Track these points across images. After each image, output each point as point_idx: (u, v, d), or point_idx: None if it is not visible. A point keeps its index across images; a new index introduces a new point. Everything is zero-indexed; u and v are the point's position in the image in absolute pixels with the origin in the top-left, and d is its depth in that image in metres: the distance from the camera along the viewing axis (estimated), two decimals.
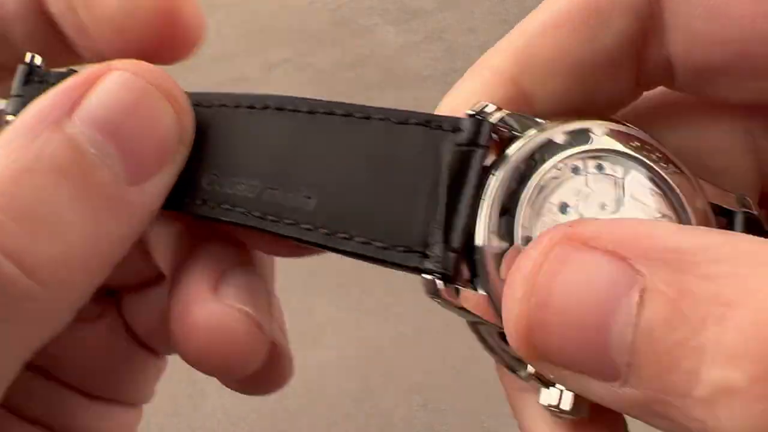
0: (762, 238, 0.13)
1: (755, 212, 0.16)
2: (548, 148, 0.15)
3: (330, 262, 0.30)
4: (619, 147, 0.16)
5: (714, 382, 0.11)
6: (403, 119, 0.15)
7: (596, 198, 0.15)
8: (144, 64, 0.16)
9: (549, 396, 0.14)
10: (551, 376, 0.14)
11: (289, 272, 0.45)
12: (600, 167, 0.16)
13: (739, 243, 0.13)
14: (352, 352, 0.41)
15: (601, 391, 0.13)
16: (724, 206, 0.16)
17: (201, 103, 0.19)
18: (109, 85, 0.16)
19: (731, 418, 0.11)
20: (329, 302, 0.42)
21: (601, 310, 0.13)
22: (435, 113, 0.16)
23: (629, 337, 0.12)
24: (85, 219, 0.15)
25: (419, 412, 0.39)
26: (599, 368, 0.13)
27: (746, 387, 0.11)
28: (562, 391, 0.15)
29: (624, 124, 0.16)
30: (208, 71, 0.57)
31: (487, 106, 0.15)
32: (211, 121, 0.19)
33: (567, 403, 0.15)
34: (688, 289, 0.12)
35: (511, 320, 0.13)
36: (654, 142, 0.16)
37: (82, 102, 0.15)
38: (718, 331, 0.12)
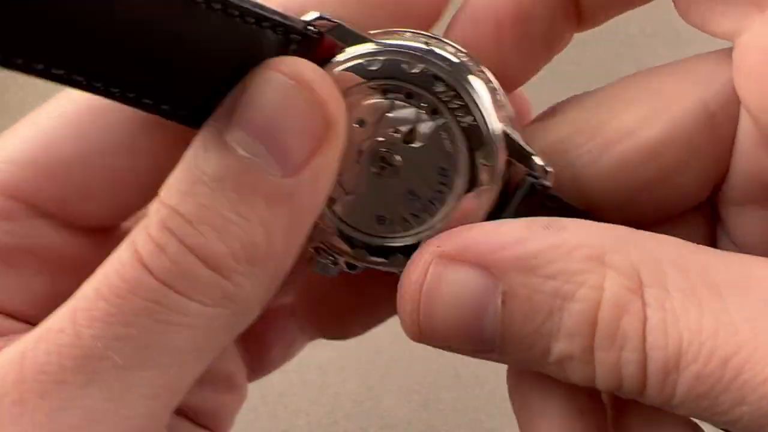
0: (601, 225, 0.17)
1: (548, 184, 0.18)
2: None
3: None
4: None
5: (560, 353, 0.16)
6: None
7: (393, 123, 0.18)
8: (288, 60, 0.17)
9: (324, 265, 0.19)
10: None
11: None
12: (409, 95, 0.18)
13: (567, 242, 0.16)
14: (352, 352, 0.42)
15: (481, 357, 0.17)
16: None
17: None
18: (255, 87, 0.17)
19: (573, 373, 0.16)
20: None
21: (474, 314, 0.17)
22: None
23: (498, 330, 0.16)
24: (248, 217, 0.17)
25: (419, 412, 0.39)
26: (479, 348, 0.17)
27: (579, 355, 0.16)
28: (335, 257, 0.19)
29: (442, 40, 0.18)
30: None
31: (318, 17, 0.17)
32: None
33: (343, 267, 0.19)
34: (537, 289, 0.16)
35: (406, 326, 0.18)
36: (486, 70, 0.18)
37: (237, 107, 0.17)
38: (560, 318, 0.16)
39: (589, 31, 0.20)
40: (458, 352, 0.18)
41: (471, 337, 0.17)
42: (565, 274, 0.16)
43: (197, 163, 0.17)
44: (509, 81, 0.19)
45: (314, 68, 0.17)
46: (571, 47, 0.20)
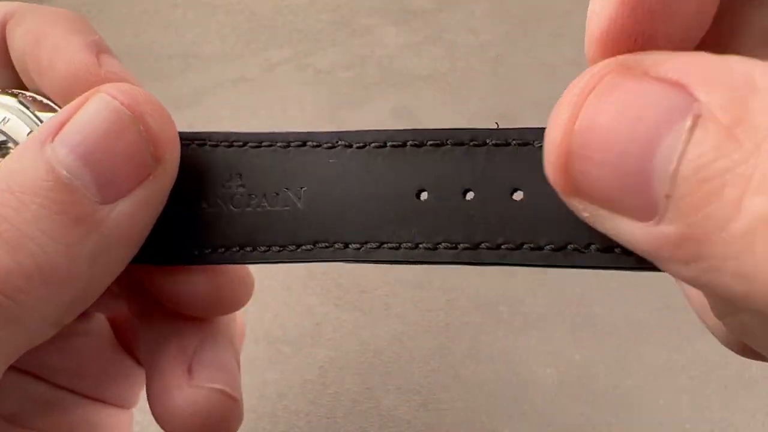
0: None
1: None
2: None
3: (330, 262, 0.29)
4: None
5: (756, 212, 0.10)
6: None
7: None
8: (125, 86, 0.17)
9: None
10: (585, 215, 0.13)
11: (289, 272, 0.45)
12: None
13: None
14: (352, 352, 0.41)
15: (634, 232, 0.12)
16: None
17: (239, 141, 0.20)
18: (88, 108, 0.17)
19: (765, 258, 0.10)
20: (329, 302, 0.42)
21: (648, 137, 0.12)
22: None
23: (673, 165, 0.11)
24: (52, 236, 0.16)
25: (419, 412, 0.39)
26: (636, 203, 0.12)
27: None
28: None
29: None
30: (207, 71, 0.57)
31: None
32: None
33: None
34: (746, 117, 0.11)
35: (551, 149, 0.13)
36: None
37: (66, 125, 0.16)
38: None
39: None
40: (602, 209, 0.13)
41: (632, 172, 0.12)
42: None
43: (12, 170, 0.16)
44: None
45: (150, 98, 0.17)
46: (571, 44, 0.20)
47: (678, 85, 0.12)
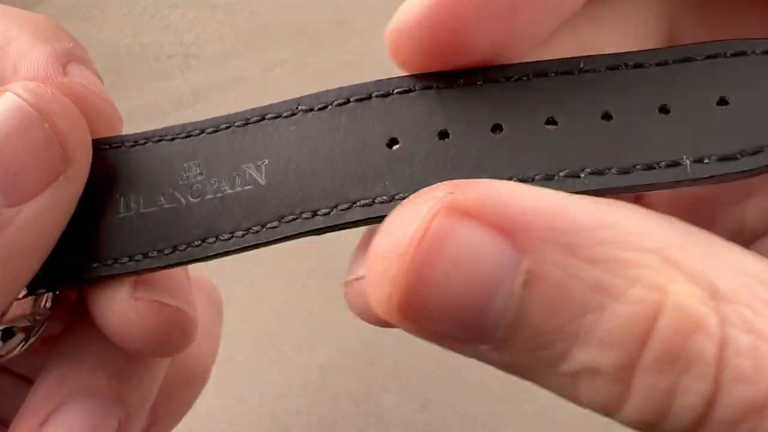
0: (655, 214, 0.13)
1: None
2: None
3: (330, 262, 0.30)
4: None
5: (581, 362, 0.12)
6: None
7: None
8: (33, 85, 0.16)
9: None
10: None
11: (289, 272, 0.45)
12: None
13: (626, 223, 0.12)
14: (352, 353, 0.41)
15: (466, 349, 0.13)
16: None
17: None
18: None
19: (589, 392, 0.12)
20: (329, 302, 0.42)
21: (483, 292, 0.12)
22: None
23: (509, 318, 0.12)
24: None
25: (419, 412, 0.39)
26: (472, 337, 0.13)
27: (611, 371, 0.12)
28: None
29: None
30: (207, 71, 0.57)
31: None
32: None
33: None
34: (574, 274, 0.12)
35: (381, 299, 0.13)
36: None
37: None
38: (595, 319, 0.12)
39: None
40: (438, 341, 0.13)
41: (469, 320, 0.12)
42: (615, 263, 0.12)
43: None
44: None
45: (59, 98, 0.17)
46: None
47: (509, 235, 0.12)
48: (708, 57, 0.16)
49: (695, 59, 0.16)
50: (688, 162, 0.15)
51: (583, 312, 0.12)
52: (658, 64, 0.16)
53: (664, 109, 0.16)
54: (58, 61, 0.18)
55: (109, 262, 0.18)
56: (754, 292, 0.12)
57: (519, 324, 0.12)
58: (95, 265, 0.18)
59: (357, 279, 0.16)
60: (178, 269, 0.20)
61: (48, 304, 0.19)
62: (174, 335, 0.19)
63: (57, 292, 0.19)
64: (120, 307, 0.18)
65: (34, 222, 0.16)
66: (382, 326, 0.15)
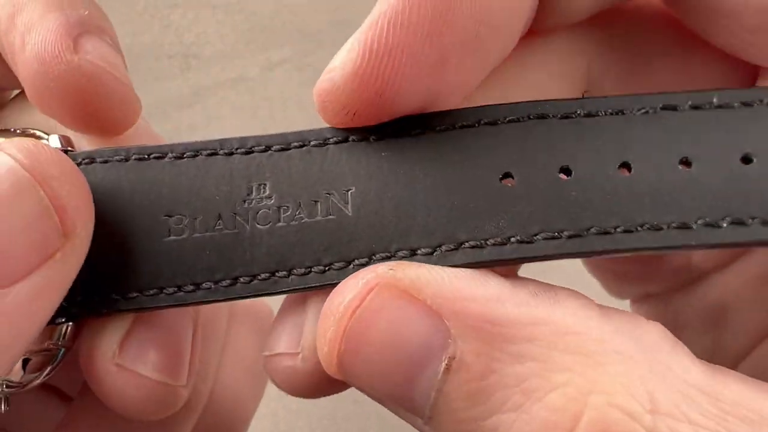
0: (605, 313, 0.12)
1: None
2: None
3: None
4: None
5: None
6: None
7: None
8: (28, 143, 0.14)
9: None
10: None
11: None
12: None
13: (565, 321, 0.12)
14: None
15: (407, 419, 0.13)
16: None
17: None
18: None
19: None
20: None
21: (408, 370, 0.12)
22: None
23: (432, 399, 0.12)
24: None
25: None
26: (407, 409, 0.13)
27: None
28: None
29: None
30: (207, 71, 0.57)
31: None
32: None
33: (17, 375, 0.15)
34: (496, 367, 0.12)
35: (322, 354, 0.13)
36: None
37: None
38: (513, 419, 0.11)
39: None
40: (385, 406, 0.14)
41: (398, 394, 0.13)
42: (542, 362, 0.12)
43: None
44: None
45: (57, 158, 0.14)
46: None
47: (439, 319, 0.12)
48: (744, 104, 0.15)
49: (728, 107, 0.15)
50: (698, 224, 0.14)
51: (502, 409, 0.12)
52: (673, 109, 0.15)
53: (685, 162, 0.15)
54: (69, 35, 0.16)
55: (153, 292, 0.16)
56: (695, 404, 0.11)
57: (441, 407, 0.12)
58: (134, 295, 0.16)
59: (276, 355, 0.15)
60: (185, 310, 0.18)
61: (69, 333, 0.17)
62: (150, 408, 0.17)
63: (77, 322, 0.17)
64: (100, 368, 0.17)
65: (23, 306, 0.14)
66: (309, 397, 0.15)
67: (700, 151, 0.15)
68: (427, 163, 0.15)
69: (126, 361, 0.17)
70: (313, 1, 0.60)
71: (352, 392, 0.14)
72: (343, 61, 0.14)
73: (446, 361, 0.12)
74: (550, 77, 0.17)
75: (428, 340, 0.12)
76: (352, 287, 0.13)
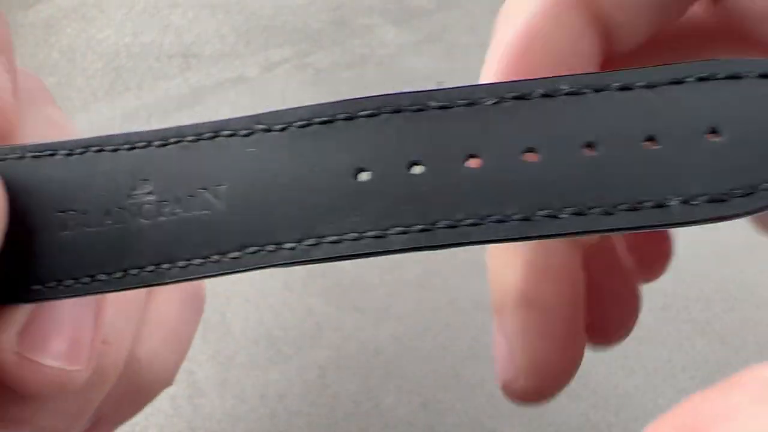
0: None
1: None
2: None
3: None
4: None
5: None
6: None
7: None
8: None
9: None
10: None
11: (289, 272, 0.44)
12: None
13: None
14: (352, 352, 0.41)
15: None
16: None
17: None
18: None
19: None
20: (329, 302, 0.42)
21: None
22: None
23: None
24: None
25: (419, 412, 0.39)
26: None
27: None
28: None
29: None
30: (207, 71, 0.57)
31: None
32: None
33: None
34: None
35: None
36: None
37: None
38: None
39: None
40: None
41: None
42: None
43: None
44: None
45: None
46: None
47: None
48: (700, 79, 0.14)
49: (685, 81, 0.15)
50: (675, 203, 0.14)
51: None
52: (647, 87, 0.15)
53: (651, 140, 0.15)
54: None
55: (52, 284, 0.17)
56: None
57: None
58: (36, 287, 0.17)
59: None
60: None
61: None
62: (49, 390, 0.18)
63: None
64: (3, 357, 0.17)
65: None
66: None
67: (545, 140, 0.15)
68: (287, 160, 0.16)
69: (25, 350, 0.17)
70: (313, 1, 0.60)
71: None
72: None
73: None
74: None
75: None
76: None
